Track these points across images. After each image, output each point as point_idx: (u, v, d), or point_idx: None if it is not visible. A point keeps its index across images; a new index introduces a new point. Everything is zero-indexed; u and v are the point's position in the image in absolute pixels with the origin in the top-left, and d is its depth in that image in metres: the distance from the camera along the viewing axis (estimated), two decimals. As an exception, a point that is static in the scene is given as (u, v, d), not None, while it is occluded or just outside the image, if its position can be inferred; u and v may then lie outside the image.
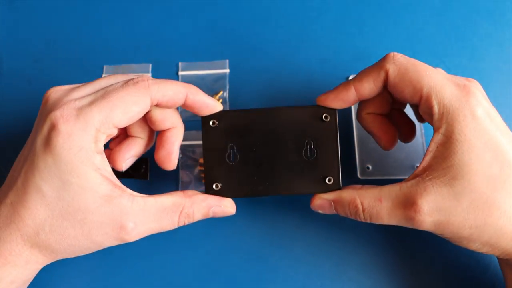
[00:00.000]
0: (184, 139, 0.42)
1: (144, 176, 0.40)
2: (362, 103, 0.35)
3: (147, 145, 0.35)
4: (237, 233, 0.39)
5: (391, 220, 0.30)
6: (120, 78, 0.32)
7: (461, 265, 0.38)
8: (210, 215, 0.33)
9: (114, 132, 0.30)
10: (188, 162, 0.41)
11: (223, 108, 0.34)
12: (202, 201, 0.32)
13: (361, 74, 0.33)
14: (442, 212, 0.29)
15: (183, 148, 0.41)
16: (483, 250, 0.31)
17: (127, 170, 0.37)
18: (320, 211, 0.34)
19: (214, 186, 0.34)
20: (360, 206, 0.31)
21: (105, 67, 0.44)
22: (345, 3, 0.47)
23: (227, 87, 0.44)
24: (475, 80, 0.32)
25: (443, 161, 0.29)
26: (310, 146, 0.34)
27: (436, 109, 0.29)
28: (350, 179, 0.40)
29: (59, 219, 0.28)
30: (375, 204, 0.30)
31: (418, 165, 0.40)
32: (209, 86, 0.44)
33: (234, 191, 0.34)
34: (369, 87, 0.32)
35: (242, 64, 0.45)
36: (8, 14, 0.47)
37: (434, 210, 0.29)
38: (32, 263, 0.30)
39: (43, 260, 0.30)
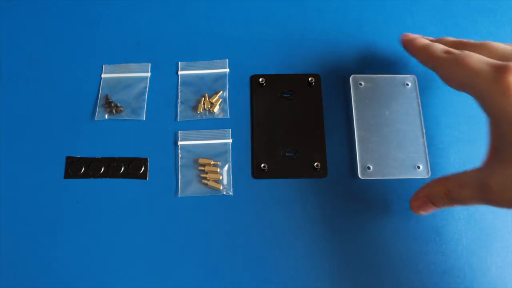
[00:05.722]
0: (184, 139, 0.42)
1: (144, 176, 0.40)
2: None
3: None
4: (237, 232, 0.39)
5: (473, 203, 0.33)
6: None
7: (462, 265, 0.38)
8: None
9: None
10: (188, 162, 0.41)
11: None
12: None
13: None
14: None
15: (183, 148, 0.41)
16: None
17: (127, 170, 0.37)
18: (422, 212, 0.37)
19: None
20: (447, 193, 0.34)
21: (104, 66, 0.44)
22: (345, 3, 0.47)
23: (227, 86, 0.43)
24: None
25: (498, 139, 0.31)
26: None
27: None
28: (351, 179, 0.40)
29: None
30: (458, 190, 0.33)
31: (419, 165, 0.41)
32: (209, 86, 0.43)
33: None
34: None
35: (242, 64, 0.45)
36: (6, 13, 0.47)
37: (505, 188, 0.30)
38: None
39: None
